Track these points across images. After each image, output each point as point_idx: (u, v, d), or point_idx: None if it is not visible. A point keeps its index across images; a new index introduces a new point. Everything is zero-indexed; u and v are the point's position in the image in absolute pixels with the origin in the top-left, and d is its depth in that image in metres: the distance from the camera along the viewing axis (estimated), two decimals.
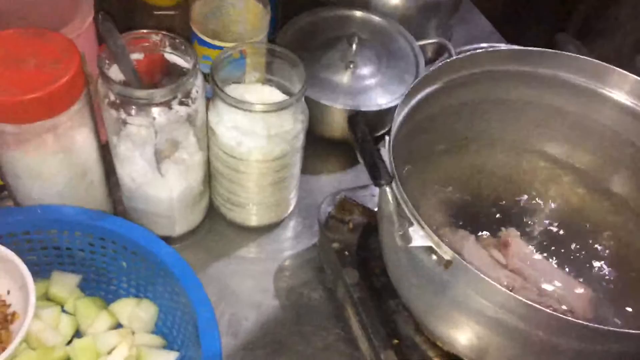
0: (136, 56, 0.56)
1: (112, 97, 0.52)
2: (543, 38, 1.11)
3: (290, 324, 0.62)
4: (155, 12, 0.73)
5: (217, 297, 0.63)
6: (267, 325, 0.61)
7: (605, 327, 0.37)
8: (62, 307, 0.57)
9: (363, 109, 0.70)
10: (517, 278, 0.50)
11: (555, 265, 0.53)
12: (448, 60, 0.50)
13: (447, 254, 0.38)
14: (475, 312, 0.41)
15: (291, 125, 0.59)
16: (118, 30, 0.54)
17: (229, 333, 0.60)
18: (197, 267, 0.64)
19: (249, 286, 0.64)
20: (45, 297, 0.58)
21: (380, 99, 0.72)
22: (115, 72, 0.54)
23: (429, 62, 0.85)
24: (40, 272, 0.58)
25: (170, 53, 0.56)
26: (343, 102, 0.71)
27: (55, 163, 0.53)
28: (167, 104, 0.53)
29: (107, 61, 0.53)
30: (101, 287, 0.60)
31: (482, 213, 0.58)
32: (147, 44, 0.55)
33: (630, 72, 0.94)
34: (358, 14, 0.79)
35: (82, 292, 0.59)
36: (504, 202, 0.59)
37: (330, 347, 0.60)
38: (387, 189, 0.40)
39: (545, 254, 0.55)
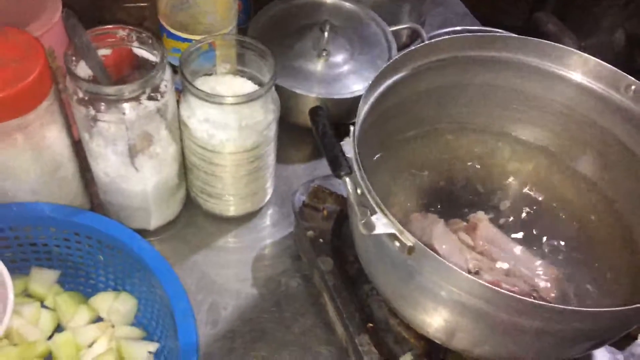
0: (104, 51, 0.56)
1: (81, 94, 0.53)
2: (521, 17, 1.12)
3: (269, 311, 0.63)
4: (125, 5, 0.72)
5: (196, 287, 0.64)
6: (246, 314, 0.62)
7: (562, 307, 0.38)
8: (42, 302, 0.58)
9: (336, 96, 0.70)
10: (484, 260, 0.52)
11: (523, 247, 0.55)
12: (412, 48, 0.50)
13: (409, 240, 0.39)
14: (440, 297, 0.42)
15: (262, 116, 0.59)
16: (87, 24, 0.54)
17: (208, 322, 0.61)
18: (175, 258, 0.66)
19: (227, 275, 0.65)
20: (25, 294, 0.58)
21: (354, 86, 0.72)
22: (83, 68, 0.54)
23: (403, 46, 0.86)
24: (19, 268, 0.59)
25: (138, 47, 0.56)
26: (317, 90, 0.71)
27: (26, 161, 0.53)
28: (136, 99, 0.53)
29: (73, 58, 0.53)
30: (80, 282, 0.60)
31: (454, 197, 0.59)
32: (114, 39, 0.55)
33: (609, 45, 0.94)
34: (330, 0, 0.79)
35: (62, 287, 0.60)
36: (475, 185, 0.60)
37: (308, 332, 0.61)
38: (347, 180, 0.41)
39: (513, 236, 0.56)
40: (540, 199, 0.59)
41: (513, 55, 0.54)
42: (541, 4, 1.10)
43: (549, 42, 0.52)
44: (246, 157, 0.61)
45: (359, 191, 0.42)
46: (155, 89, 0.54)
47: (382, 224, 0.40)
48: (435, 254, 0.39)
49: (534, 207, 0.59)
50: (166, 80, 0.55)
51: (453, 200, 0.58)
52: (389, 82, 0.51)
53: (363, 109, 0.48)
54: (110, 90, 0.52)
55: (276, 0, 0.79)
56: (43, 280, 0.59)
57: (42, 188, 0.57)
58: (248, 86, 0.62)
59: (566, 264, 0.54)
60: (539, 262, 0.53)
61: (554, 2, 1.10)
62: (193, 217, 0.69)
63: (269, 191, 0.69)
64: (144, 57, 0.57)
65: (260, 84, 0.61)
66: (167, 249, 0.67)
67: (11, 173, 0.54)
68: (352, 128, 0.44)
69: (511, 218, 0.58)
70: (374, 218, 0.40)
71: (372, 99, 0.50)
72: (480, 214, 0.55)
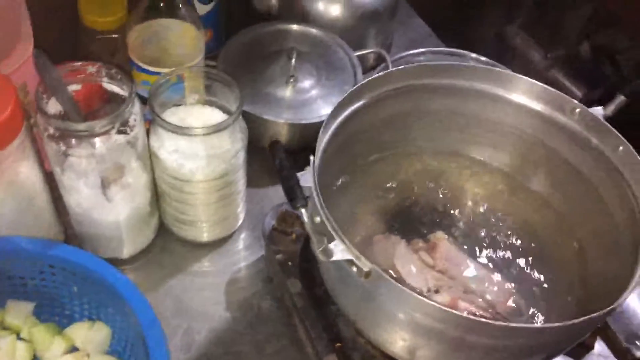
0: (74, 87, 0.58)
1: (52, 131, 0.54)
2: (489, 31, 1.15)
3: (243, 333, 0.64)
4: (98, 37, 0.74)
5: (171, 312, 0.65)
6: (220, 337, 0.64)
7: (508, 324, 0.40)
8: (18, 335, 0.59)
9: (304, 121, 0.73)
10: (443, 278, 0.54)
11: (480, 264, 0.57)
12: (369, 78, 0.53)
13: (365, 265, 0.41)
14: (398, 318, 0.44)
15: (229, 145, 0.61)
16: (60, 58, 0.56)
17: (182, 348, 0.63)
18: (150, 284, 0.67)
19: (202, 300, 0.67)
20: (2, 326, 0.59)
21: (321, 110, 0.75)
22: (54, 104, 0.56)
23: (370, 69, 0.88)
24: None
25: (108, 82, 0.58)
26: (285, 115, 0.73)
27: None
28: (107, 133, 0.55)
29: (44, 95, 0.55)
30: (55, 312, 0.61)
31: (415, 218, 0.61)
32: (83, 75, 0.57)
33: (576, 56, 0.96)
34: (297, 27, 0.81)
35: (37, 318, 0.61)
36: (435, 206, 0.62)
37: (281, 352, 0.63)
38: (303, 211, 0.43)
39: (472, 254, 0.59)
40: (497, 217, 0.62)
41: (465, 82, 0.57)
42: (509, 17, 1.14)
43: (497, 69, 0.55)
44: (215, 185, 0.63)
45: (317, 219, 0.44)
46: (125, 123, 0.56)
47: (339, 251, 0.42)
48: (390, 278, 0.41)
49: (492, 225, 0.61)
50: (135, 113, 0.57)
51: (414, 220, 0.61)
52: (348, 111, 0.54)
53: (323, 139, 0.50)
54: (81, 126, 0.54)
55: (246, 28, 0.81)
56: (18, 312, 0.60)
57: (19, 221, 0.59)
58: (217, 115, 0.64)
59: (521, 279, 0.57)
60: (495, 279, 0.55)
61: (523, 16, 1.13)
62: (167, 243, 0.71)
63: (241, 215, 0.71)
64: (114, 92, 0.59)
65: (229, 112, 0.63)
66: (142, 275, 0.68)
67: None
68: (311, 158, 0.47)
69: (470, 236, 0.60)
70: (332, 245, 0.42)
71: (332, 128, 0.53)
72: (440, 234, 0.58)
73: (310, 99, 0.76)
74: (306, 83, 0.77)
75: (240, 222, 0.72)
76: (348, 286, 0.47)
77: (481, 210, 0.62)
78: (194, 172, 0.61)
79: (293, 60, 0.76)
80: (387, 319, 0.46)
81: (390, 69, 0.53)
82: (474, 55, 0.89)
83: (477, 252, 0.59)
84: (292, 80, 0.76)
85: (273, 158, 0.47)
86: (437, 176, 0.63)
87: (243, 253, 0.71)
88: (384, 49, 0.90)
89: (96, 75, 0.57)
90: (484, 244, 0.59)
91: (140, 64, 0.64)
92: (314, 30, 0.81)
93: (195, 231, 0.68)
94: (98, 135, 0.55)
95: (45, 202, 0.61)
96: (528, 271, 0.57)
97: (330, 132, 0.52)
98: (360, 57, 0.82)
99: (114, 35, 0.74)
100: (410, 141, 0.61)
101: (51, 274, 0.59)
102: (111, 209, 0.61)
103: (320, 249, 0.40)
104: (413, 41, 0.97)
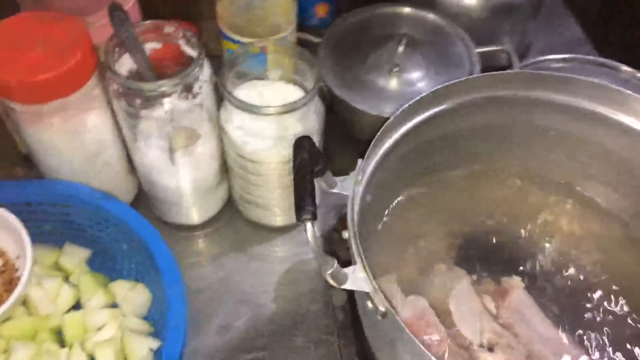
0: (153, 45, 0.56)
1: (120, 88, 0.53)
2: None
3: (283, 332, 0.60)
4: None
5: (218, 290, 0.63)
6: (258, 329, 0.60)
7: None
8: (68, 278, 0.60)
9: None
10: (505, 334, 0.44)
11: (556, 327, 0.46)
12: (450, 82, 0.44)
13: (381, 304, 0.34)
14: None
15: (300, 128, 0.56)
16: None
17: (219, 331, 0.60)
18: (204, 257, 0.65)
19: (251, 285, 0.63)
20: (56, 267, 0.61)
21: None
22: (126, 62, 0.55)
23: (501, 70, 0.77)
24: (54, 241, 0.61)
25: (185, 45, 0.56)
26: (380, 108, 0.66)
27: (65, 143, 0.55)
28: (175, 95, 0.53)
29: (117, 50, 0.53)
30: (107, 265, 0.62)
31: (491, 253, 0.51)
32: (160, 35, 0.55)
33: None
34: (414, 12, 0.73)
35: (90, 266, 0.61)
36: (518, 243, 0.52)
37: None
38: (308, 225, 0.36)
39: (557, 318, 0.47)
40: (598, 276, 0.50)
41: (584, 101, 0.46)
42: None
43: (622, 89, 0.43)
44: (281, 169, 0.58)
45: (345, 234, 0.37)
46: (190, 87, 0.53)
47: (356, 278, 0.35)
48: (405, 328, 0.33)
49: (584, 281, 0.49)
50: (203, 79, 0.54)
51: (489, 256, 0.51)
52: (424, 115, 0.45)
53: (384, 142, 0.43)
54: (147, 86, 0.52)
55: (361, 7, 0.75)
56: (73, 256, 0.61)
57: (84, 170, 0.59)
58: (298, 95, 0.59)
59: (599, 352, 0.45)
60: (567, 347, 0.44)
61: None
62: (232, 219, 0.68)
63: None
64: (190, 55, 0.56)
65: None
66: (199, 245, 0.67)
67: (54, 152, 0.57)
68: (359, 162, 0.40)
69: (555, 293, 0.49)
70: (348, 270, 0.35)
71: (401, 131, 0.45)
72: (516, 280, 0.48)
73: (412, 94, 0.67)
74: (412, 75, 0.69)
75: None
76: (368, 316, 0.40)
77: (577, 260, 0.50)
78: (258, 152, 0.57)
79: (401, 48, 0.68)
80: None
81: (479, 74, 0.43)
82: (629, 69, 0.74)
83: (559, 314, 0.47)
84: (396, 69, 0.68)
85: (294, 155, 0.41)
86: (529, 207, 0.52)
87: (306, 246, 0.66)
88: (519, 50, 0.78)
89: (173, 36, 0.55)
90: (573, 307, 0.48)
91: (225, 31, 0.60)
92: (433, 17, 0.73)
93: (257, 212, 0.65)
94: (165, 95, 0.52)
95: (115, 156, 0.61)
96: (617, 355, 0.45)
97: (396, 135, 0.44)
98: (484, 55, 0.71)
99: None
100: (502, 159, 0.51)
101: (106, 227, 0.59)
102: (174, 174, 0.59)
103: (329, 272, 0.34)
104: (559, 45, 0.84)
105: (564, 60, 0.77)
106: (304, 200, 0.37)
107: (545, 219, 0.52)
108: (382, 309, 0.34)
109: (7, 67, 0.49)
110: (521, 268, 0.50)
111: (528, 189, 0.53)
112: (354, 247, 0.36)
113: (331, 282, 0.35)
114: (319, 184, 0.41)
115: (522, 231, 0.52)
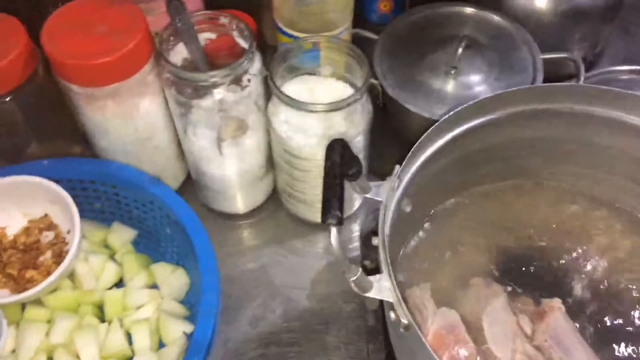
0: (208, 35, 0.57)
1: (172, 77, 0.54)
2: None
3: (314, 329, 0.60)
4: None
5: (253, 281, 0.63)
6: (290, 326, 0.61)
7: None
8: (113, 256, 0.62)
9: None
10: (538, 357, 0.42)
11: (592, 354, 0.43)
12: (498, 93, 0.42)
13: (404, 316, 0.33)
14: None
15: (345, 128, 0.55)
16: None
17: (252, 322, 0.61)
18: (244, 246, 0.66)
19: (286, 279, 0.64)
20: (103, 244, 0.63)
21: None
22: (180, 51, 0.55)
23: (564, 79, 0.73)
24: (104, 220, 0.64)
25: (239, 36, 0.56)
26: (433, 111, 0.64)
27: (117, 125, 0.57)
28: (226, 86, 0.53)
29: (171, 38, 0.54)
30: (151, 247, 0.63)
31: (533, 271, 0.49)
32: (215, 25, 0.55)
33: None
34: (479, 12, 0.70)
35: (135, 247, 0.63)
36: (564, 265, 0.49)
37: None
38: (333, 230, 0.35)
39: (596, 344, 0.45)
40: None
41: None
42: None
43: None
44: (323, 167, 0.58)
45: (375, 241, 0.36)
46: (239, 79, 0.53)
47: (381, 287, 0.34)
48: (426, 344, 0.32)
49: (630, 308, 0.46)
50: (253, 72, 0.54)
51: (530, 274, 0.48)
52: (471, 123, 0.44)
53: (427, 146, 0.41)
54: (195, 76, 0.52)
55: (423, 5, 0.73)
56: (120, 235, 0.63)
57: (135, 153, 0.61)
58: (347, 93, 0.59)
59: None
60: None
61: None
62: (275, 212, 0.69)
63: (355, 204, 0.65)
64: (244, 47, 0.56)
65: None
66: (241, 233, 0.67)
67: (107, 134, 0.59)
68: (396, 168, 0.39)
69: (593, 314, 0.46)
70: (373, 278, 0.34)
71: (448, 137, 0.44)
72: (556, 302, 0.45)
73: (468, 99, 0.65)
74: (471, 78, 0.66)
75: (352, 211, 0.66)
76: (392, 325, 0.39)
77: (627, 288, 0.47)
78: (301, 148, 0.56)
79: (460, 49, 0.66)
80: None
81: (534, 85, 0.41)
82: None
83: (598, 341, 0.45)
84: (453, 72, 0.66)
85: (326, 157, 0.40)
86: (577, 226, 0.49)
87: (348, 245, 0.66)
88: (589, 57, 0.74)
89: (228, 27, 0.55)
90: (615, 336, 0.45)
91: (280, 25, 0.60)
92: (498, 19, 0.70)
93: (299, 207, 0.65)
94: (216, 86, 0.53)
95: (165, 142, 0.62)
96: None
97: (442, 141, 0.43)
98: (549, 62, 0.68)
99: None
100: (552, 175, 0.49)
101: (151, 209, 0.61)
102: (220, 163, 0.60)
103: (354, 279, 0.33)
104: (635, 54, 0.79)
105: (637, 72, 0.72)
106: (330, 204, 0.36)
107: (594, 240, 0.49)
108: (404, 321, 0.33)
109: (66, 50, 0.51)
110: (563, 290, 0.48)
111: (577, 208, 0.50)
112: (381, 255, 0.35)
113: (355, 289, 0.34)
114: (353, 187, 0.40)
115: (568, 251, 0.49)
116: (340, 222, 0.35)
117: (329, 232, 0.35)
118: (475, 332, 0.44)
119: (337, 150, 0.40)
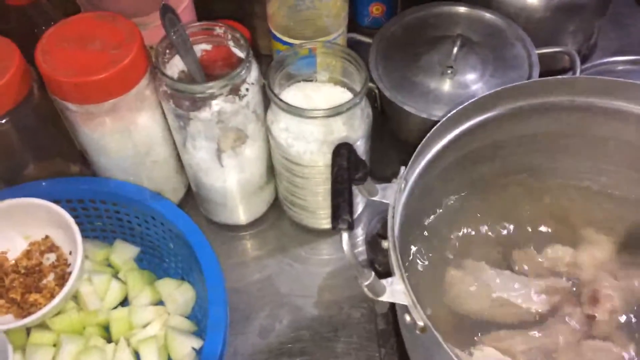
0: (204, 47, 0.56)
1: (169, 90, 0.54)
2: None
3: (323, 337, 0.59)
4: None
5: (258, 291, 0.63)
6: (300, 333, 0.60)
7: None
8: (116, 274, 0.61)
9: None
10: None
11: None
12: (501, 88, 0.42)
13: (420, 318, 0.33)
14: None
15: (345, 133, 0.55)
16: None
17: (261, 333, 0.60)
18: (248, 257, 0.65)
19: (293, 288, 0.63)
20: (106, 263, 0.63)
21: None
22: (176, 64, 0.55)
23: (558, 73, 0.73)
24: (106, 238, 0.63)
25: (234, 46, 0.56)
26: (428, 110, 0.64)
27: (115, 141, 0.57)
28: (223, 96, 0.53)
29: (167, 51, 0.54)
30: (155, 262, 0.63)
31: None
32: (210, 36, 0.55)
33: None
34: (471, 11, 0.70)
35: (138, 263, 0.63)
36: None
37: None
38: (344, 235, 0.35)
39: None
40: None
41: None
42: None
43: None
44: (325, 173, 0.57)
45: (385, 244, 0.36)
46: (237, 90, 0.53)
47: (394, 291, 0.34)
48: (443, 343, 0.32)
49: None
50: (251, 81, 0.54)
51: None
52: (474, 121, 0.44)
53: (431, 147, 0.41)
54: (192, 88, 0.52)
55: (415, 7, 0.73)
56: (123, 253, 0.62)
57: (134, 169, 0.60)
58: (345, 98, 0.58)
59: None
60: None
61: None
62: (278, 220, 0.68)
63: (358, 208, 0.65)
64: (240, 57, 0.56)
65: None
66: (243, 244, 0.67)
67: (105, 151, 0.58)
68: (402, 169, 0.38)
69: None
70: (386, 281, 0.34)
71: (450, 136, 0.43)
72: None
73: (465, 97, 0.65)
74: (466, 77, 0.66)
75: (354, 215, 0.65)
76: (407, 328, 0.38)
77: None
78: (302, 155, 0.56)
79: (455, 49, 0.66)
80: None
81: (533, 79, 0.41)
82: None
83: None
84: (449, 72, 0.66)
85: (333, 161, 0.40)
86: (583, 220, 0.49)
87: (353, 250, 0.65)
88: (584, 50, 0.74)
89: (223, 37, 0.55)
90: None
91: (275, 32, 0.60)
92: (491, 17, 0.70)
93: (302, 214, 0.64)
94: (213, 97, 0.52)
95: (164, 156, 0.62)
96: None
97: (444, 140, 0.42)
98: (544, 57, 0.68)
99: None
100: (557, 170, 0.48)
101: (153, 225, 0.60)
102: (220, 174, 0.60)
103: (367, 283, 0.33)
104: (628, 45, 0.79)
105: (632, 62, 0.73)
106: (340, 209, 0.36)
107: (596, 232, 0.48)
108: (420, 323, 0.33)
109: (61, 68, 0.50)
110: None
111: (583, 202, 0.49)
112: (393, 257, 0.35)
113: (368, 294, 0.34)
114: (360, 191, 0.40)
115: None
116: (351, 227, 0.35)
117: (340, 238, 0.35)
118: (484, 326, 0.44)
119: (343, 155, 0.40)
